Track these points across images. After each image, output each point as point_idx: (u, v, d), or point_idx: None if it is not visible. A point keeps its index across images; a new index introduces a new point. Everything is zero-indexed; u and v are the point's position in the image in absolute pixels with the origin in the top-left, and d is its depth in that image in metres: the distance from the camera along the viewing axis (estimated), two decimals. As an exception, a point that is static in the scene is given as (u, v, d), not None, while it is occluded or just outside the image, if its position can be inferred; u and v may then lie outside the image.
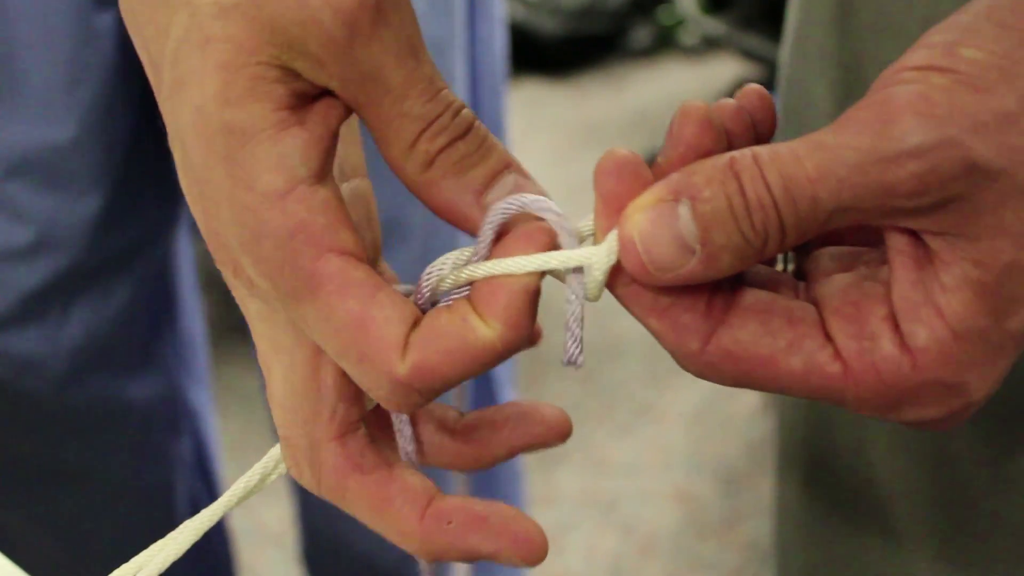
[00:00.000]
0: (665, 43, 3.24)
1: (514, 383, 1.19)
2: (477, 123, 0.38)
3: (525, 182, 0.39)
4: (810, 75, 0.60)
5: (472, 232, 0.38)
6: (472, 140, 0.38)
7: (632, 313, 0.38)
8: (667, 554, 1.79)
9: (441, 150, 0.38)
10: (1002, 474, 0.56)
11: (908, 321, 0.35)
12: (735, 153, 0.35)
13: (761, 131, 0.38)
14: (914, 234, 0.36)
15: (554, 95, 3.13)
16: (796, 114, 0.64)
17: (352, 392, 0.39)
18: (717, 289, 0.37)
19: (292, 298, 0.36)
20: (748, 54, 2.58)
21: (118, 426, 1.02)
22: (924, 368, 0.35)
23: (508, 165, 0.39)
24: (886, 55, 0.55)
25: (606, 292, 0.38)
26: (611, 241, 0.36)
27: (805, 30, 0.61)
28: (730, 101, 0.38)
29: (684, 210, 0.35)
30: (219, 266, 0.38)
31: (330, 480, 0.39)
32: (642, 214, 0.35)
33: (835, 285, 0.37)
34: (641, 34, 3.24)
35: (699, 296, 0.36)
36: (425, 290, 0.38)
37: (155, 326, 1.03)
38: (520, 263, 0.37)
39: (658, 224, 0.35)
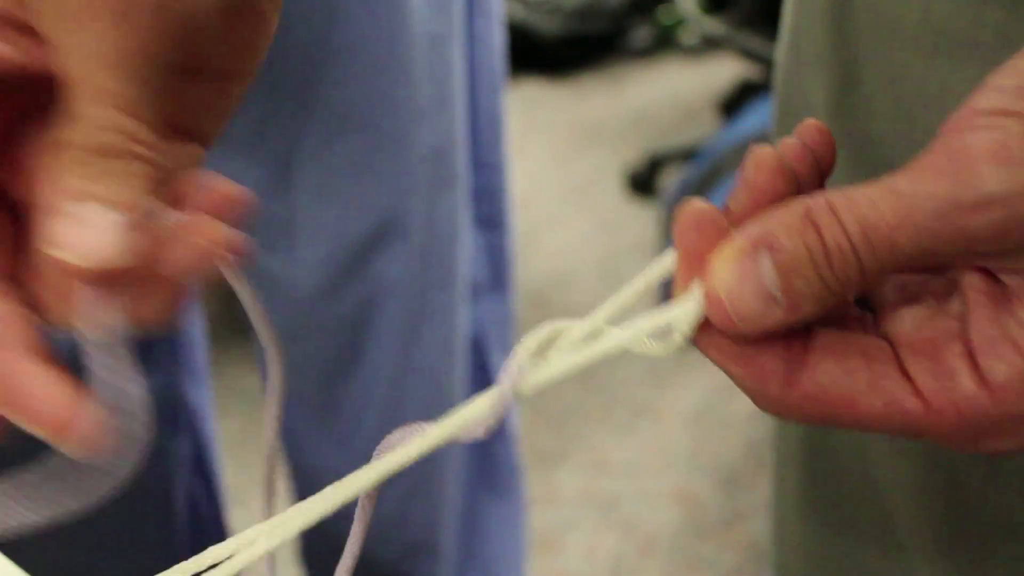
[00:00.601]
0: (664, 43, 3.24)
1: None
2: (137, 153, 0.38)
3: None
4: (806, 75, 0.61)
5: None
6: (117, 161, 0.38)
7: (712, 360, 0.38)
8: (667, 554, 1.79)
9: (95, 149, 0.38)
10: (999, 474, 0.56)
11: (986, 357, 0.36)
12: (808, 201, 0.36)
13: (823, 167, 0.39)
14: (988, 271, 0.36)
15: (553, 95, 3.13)
16: (792, 115, 0.64)
17: None
18: (793, 332, 0.38)
19: None
20: (748, 54, 2.58)
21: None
22: (1003, 402, 0.36)
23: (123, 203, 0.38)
24: (882, 55, 0.55)
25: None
26: (697, 296, 0.37)
27: (801, 30, 0.61)
28: (794, 141, 0.39)
29: (765, 260, 0.36)
30: None
31: None
32: (725, 268, 0.36)
33: (907, 321, 0.38)
34: (640, 34, 3.24)
35: (777, 340, 0.37)
36: (508, 389, 0.39)
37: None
38: (615, 337, 0.38)
39: (742, 277, 0.36)
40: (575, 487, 1.91)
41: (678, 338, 0.38)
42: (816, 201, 0.36)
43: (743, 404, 2.12)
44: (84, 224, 0.37)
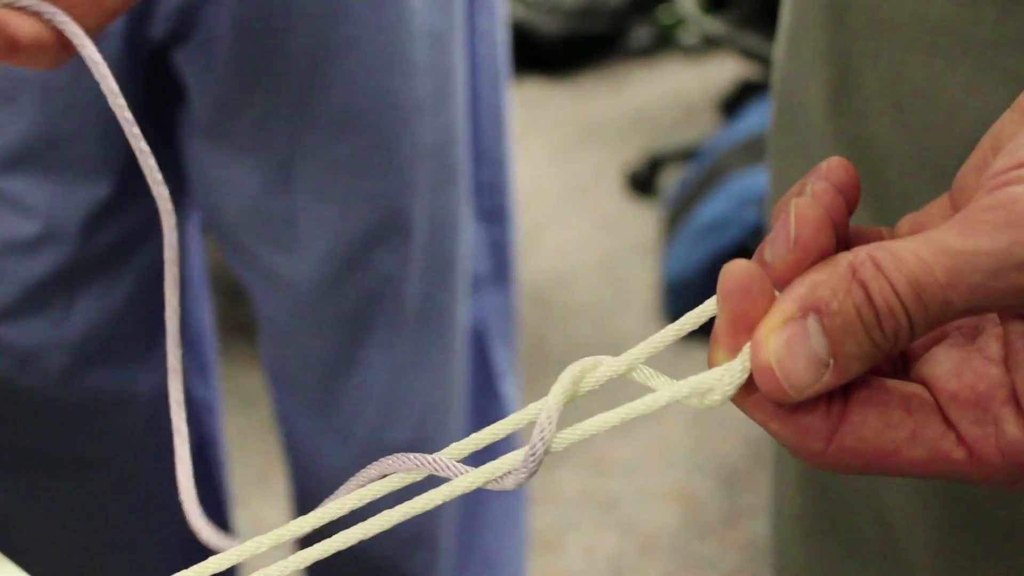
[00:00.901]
0: (665, 42, 3.24)
1: (515, 372, 1.19)
2: None
3: None
4: (803, 74, 0.61)
5: None
6: None
7: (753, 418, 0.38)
8: (667, 553, 1.79)
9: None
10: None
11: None
12: (851, 258, 0.35)
13: (851, 206, 0.38)
14: None
15: (553, 94, 3.13)
16: (789, 113, 0.64)
17: None
18: None
19: None
20: (748, 53, 2.58)
21: (122, 418, 1.02)
22: None
23: None
24: (879, 55, 0.55)
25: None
26: (744, 360, 0.37)
27: (798, 29, 0.61)
28: (826, 186, 0.37)
29: (813, 325, 0.35)
30: None
31: None
32: (776, 337, 0.35)
33: (943, 365, 0.37)
34: (640, 34, 3.24)
35: (819, 397, 0.36)
36: (539, 446, 0.39)
37: (160, 318, 1.03)
38: (651, 401, 0.38)
39: (793, 346, 0.35)
40: (575, 487, 1.91)
41: (718, 398, 0.37)
42: (859, 258, 0.35)
43: (743, 403, 2.12)
44: None
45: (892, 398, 0.37)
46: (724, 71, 3.04)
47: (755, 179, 2.15)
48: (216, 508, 1.17)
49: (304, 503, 1.17)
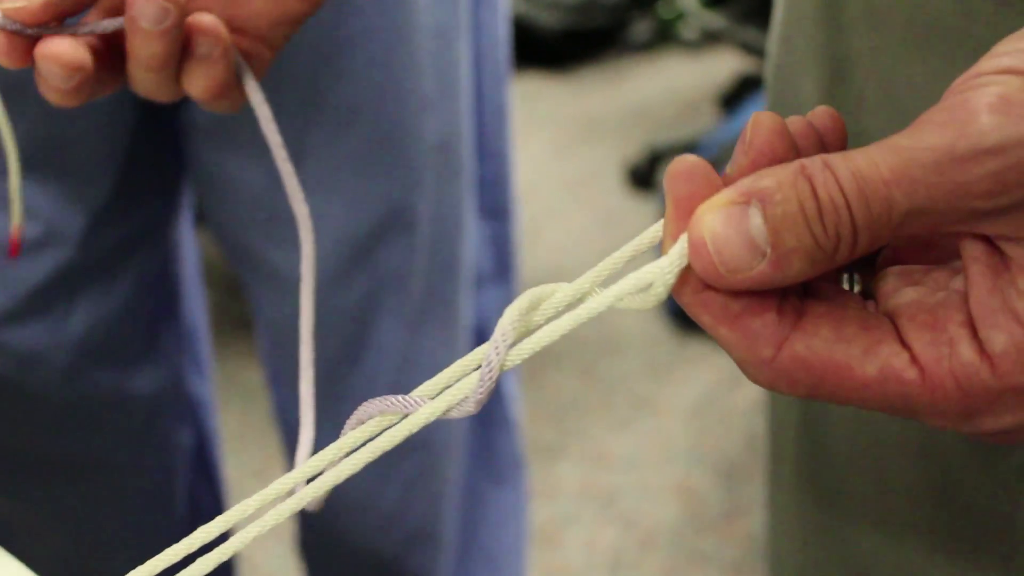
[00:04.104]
0: (665, 37, 3.24)
1: (516, 368, 1.19)
2: None
3: None
4: (798, 68, 0.61)
5: None
6: None
7: (701, 322, 0.37)
8: (667, 548, 1.79)
9: None
10: (992, 469, 0.56)
11: (986, 327, 0.35)
12: (804, 159, 0.35)
13: (829, 152, 0.38)
14: (989, 241, 0.36)
15: (553, 89, 3.13)
16: (784, 107, 0.64)
17: None
18: (787, 298, 0.37)
19: None
20: (747, 48, 2.58)
21: (122, 418, 1.02)
22: (1003, 374, 0.35)
23: None
24: (873, 49, 0.55)
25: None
26: (682, 244, 0.36)
27: (792, 23, 0.61)
28: (800, 117, 0.38)
29: (755, 212, 0.35)
30: None
31: None
32: (713, 215, 0.35)
33: (907, 296, 0.37)
34: (640, 28, 3.24)
35: (769, 303, 0.36)
36: (494, 360, 0.38)
37: (158, 317, 1.04)
38: (597, 303, 0.37)
39: (729, 225, 0.35)
40: (575, 481, 1.92)
41: (660, 290, 0.37)
42: (811, 159, 0.35)
43: (743, 398, 2.13)
44: None
45: (848, 314, 0.37)
46: (724, 65, 3.04)
47: (755, 174, 2.15)
48: (213, 502, 1.17)
49: (304, 498, 1.17)
